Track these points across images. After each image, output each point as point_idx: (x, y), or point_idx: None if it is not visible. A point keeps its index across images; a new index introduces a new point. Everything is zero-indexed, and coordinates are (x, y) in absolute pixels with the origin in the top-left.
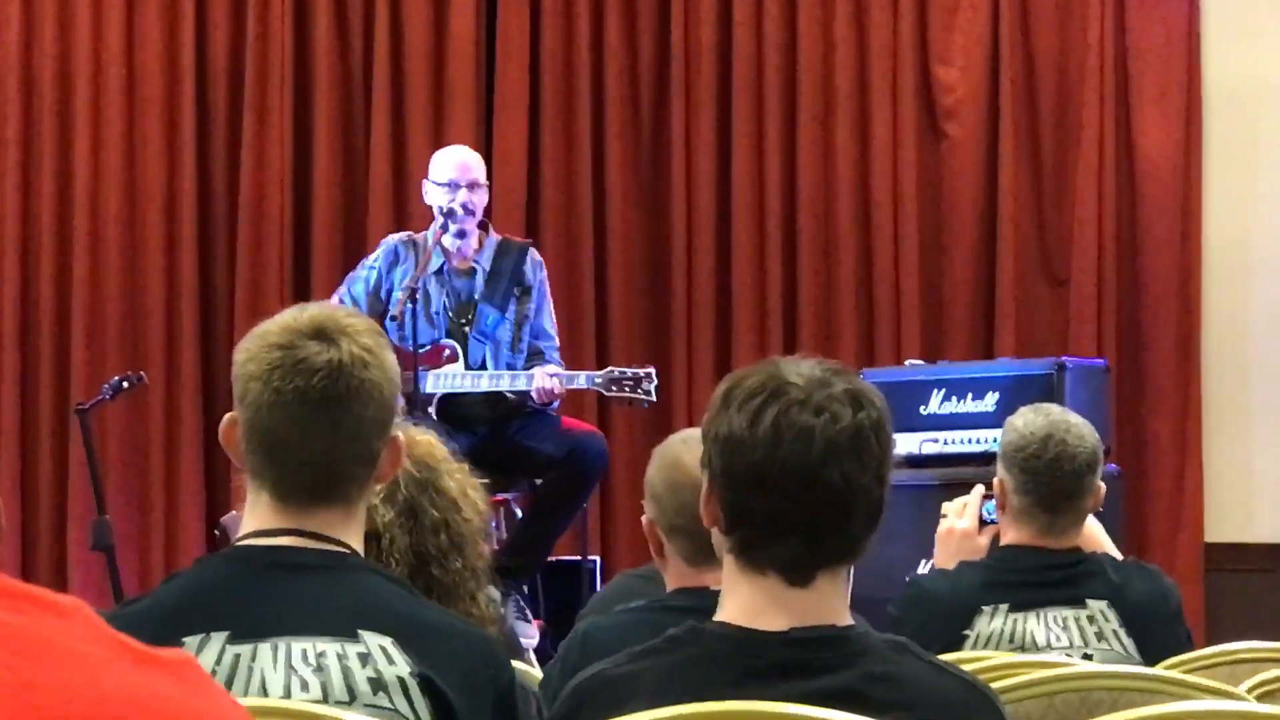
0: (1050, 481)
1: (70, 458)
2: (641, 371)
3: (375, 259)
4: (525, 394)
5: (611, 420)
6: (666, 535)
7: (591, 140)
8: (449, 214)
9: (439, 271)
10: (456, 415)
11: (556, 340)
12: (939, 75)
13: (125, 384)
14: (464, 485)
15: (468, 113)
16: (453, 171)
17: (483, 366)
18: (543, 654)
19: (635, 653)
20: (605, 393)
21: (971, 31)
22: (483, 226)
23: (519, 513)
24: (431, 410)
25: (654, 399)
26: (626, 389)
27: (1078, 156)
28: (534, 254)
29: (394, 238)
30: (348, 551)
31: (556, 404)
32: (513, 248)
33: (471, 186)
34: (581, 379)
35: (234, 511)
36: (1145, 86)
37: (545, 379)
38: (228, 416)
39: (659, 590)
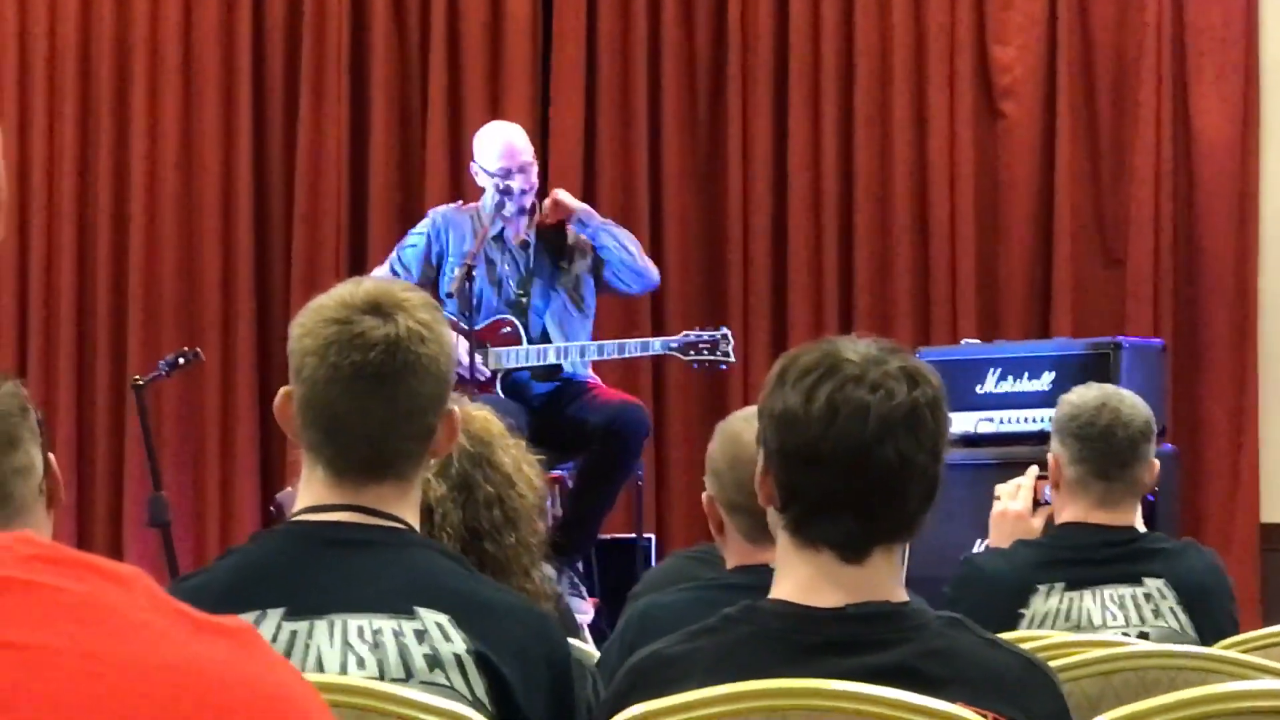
0: (1104, 449)
1: (126, 434)
2: (719, 333)
3: (424, 226)
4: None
5: (667, 397)
6: (727, 512)
7: (648, 121)
8: (506, 193)
9: (499, 238)
10: (516, 390)
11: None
12: (996, 55)
13: (181, 360)
14: (519, 461)
15: (524, 92)
16: (503, 159)
17: (543, 338)
18: (597, 631)
19: (690, 632)
20: (683, 357)
21: (1029, 11)
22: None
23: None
24: (496, 387)
25: (733, 359)
26: (705, 351)
27: (1135, 136)
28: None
29: (443, 207)
30: (404, 527)
31: (580, 208)
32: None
33: (523, 170)
34: (656, 344)
35: (289, 488)
36: (1203, 66)
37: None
38: (283, 391)
39: (711, 571)
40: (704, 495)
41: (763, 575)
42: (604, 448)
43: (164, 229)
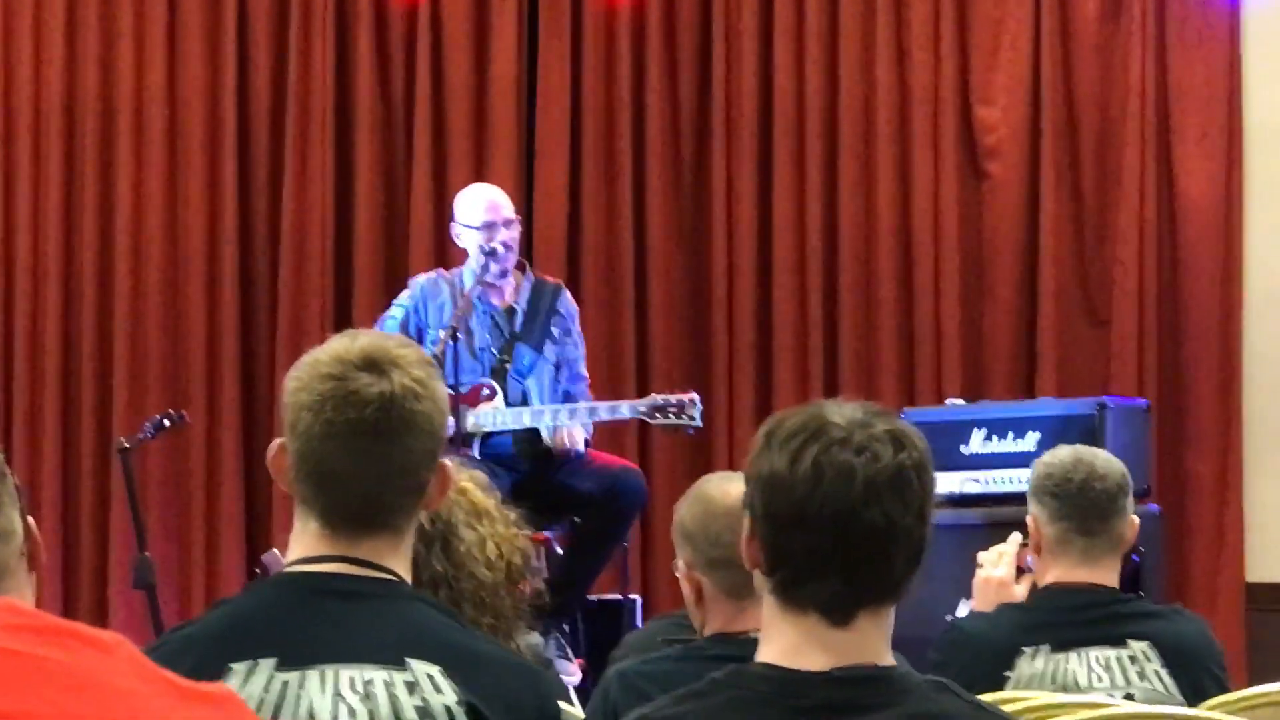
0: (1083, 502)
1: (112, 496)
2: (685, 397)
3: (404, 298)
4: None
5: (653, 457)
6: (706, 572)
7: (632, 180)
8: (491, 254)
9: (477, 303)
10: (498, 454)
11: (588, 379)
12: (980, 115)
13: (166, 422)
14: (484, 538)
15: (509, 153)
16: (487, 213)
17: (523, 403)
18: (583, 693)
19: (677, 696)
20: (650, 420)
21: (1013, 71)
22: (519, 267)
23: (560, 551)
24: (474, 450)
25: (699, 424)
26: (671, 415)
27: (1119, 196)
28: (567, 297)
29: (423, 276)
30: (396, 579)
31: (582, 451)
32: (547, 289)
33: (508, 224)
34: (625, 408)
35: (274, 550)
36: (1186, 126)
37: (563, 435)
38: (277, 443)
39: (696, 634)
40: (678, 567)
41: (743, 646)
42: (601, 512)
43: (149, 291)
